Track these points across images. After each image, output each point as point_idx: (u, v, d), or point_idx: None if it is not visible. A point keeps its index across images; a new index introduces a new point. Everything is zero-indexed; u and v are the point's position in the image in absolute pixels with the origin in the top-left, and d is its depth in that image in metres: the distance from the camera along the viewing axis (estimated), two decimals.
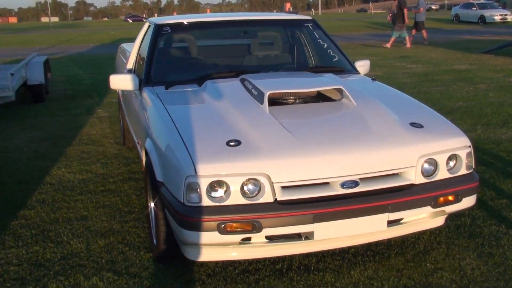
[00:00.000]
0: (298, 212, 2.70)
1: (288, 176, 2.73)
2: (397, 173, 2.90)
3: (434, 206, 2.93)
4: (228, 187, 2.68)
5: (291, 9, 36.69)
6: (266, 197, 2.70)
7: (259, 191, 2.70)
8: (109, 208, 4.08)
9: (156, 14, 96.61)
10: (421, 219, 3.09)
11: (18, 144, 6.08)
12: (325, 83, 3.45)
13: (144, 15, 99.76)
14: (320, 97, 3.43)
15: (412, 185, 2.90)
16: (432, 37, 20.93)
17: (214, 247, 2.86)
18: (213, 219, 2.65)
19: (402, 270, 3.08)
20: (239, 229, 2.67)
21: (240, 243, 2.79)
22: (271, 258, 3.17)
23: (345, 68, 4.28)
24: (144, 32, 4.73)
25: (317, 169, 2.76)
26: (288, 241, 2.85)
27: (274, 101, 3.30)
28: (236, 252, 2.89)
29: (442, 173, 2.98)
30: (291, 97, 3.35)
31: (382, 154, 2.86)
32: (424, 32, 18.08)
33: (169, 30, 4.27)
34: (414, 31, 17.94)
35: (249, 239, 2.80)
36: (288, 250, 2.92)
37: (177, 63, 4.27)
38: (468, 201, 3.06)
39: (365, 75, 4.45)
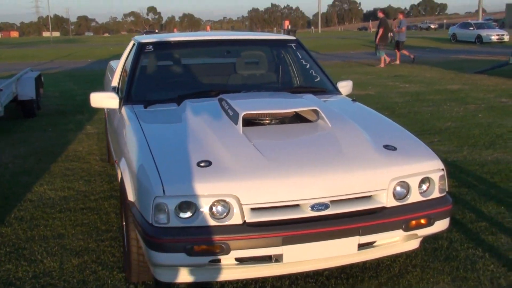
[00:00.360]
0: (267, 234, 2.68)
1: (257, 198, 2.71)
2: (369, 196, 2.89)
3: (406, 229, 2.91)
4: (196, 208, 2.67)
5: (289, 27, 36.88)
6: (235, 219, 2.68)
7: (228, 213, 2.69)
8: (87, 227, 4.06)
9: (157, 30, 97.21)
10: (395, 242, 3.07)
11: (3, 160, 6.06)
12: (301, 104, 3.46)
13: (144, 31, 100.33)
14: (297, 118, 3.43)
15: (383, 208, 2.89)
16: (428, 57, 21.09)
17: (184, 268, 2.84)
18: (180, 240, 2.63)
19: None
20: (206, 251, 2.65)
21: (209, 264, 2.77)
22: (243, 280, 3.15)
23: (327, 89, 4.29)
24: (129, 50, 4.74)
25: (287, 191, 2.75)
26: (258, 263, 2.82)
27: (251, 121, 3.31)
28: (205, 273, 2.87)
29: (414, 196, 2.96)
30: (267, 118, 3.35)
31: (353, 177, 2.85)
32: (404, 51, 18.24)
33: (152, 49, 4.28)
34: (396, 51, 18.27)
35: (218, 260, 2.77)
36: (258, 273, 2.90)
37: (158, 81, 4.28)
38: (440, 225, 3.04)
39: (348, 95, 4.46)
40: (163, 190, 2.66)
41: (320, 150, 3.01)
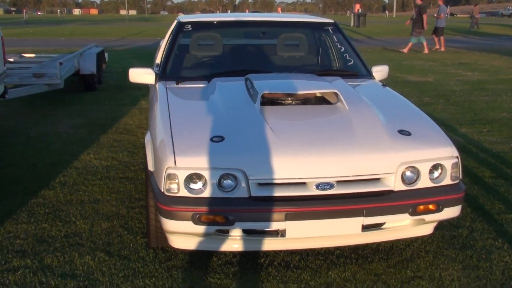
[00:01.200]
0: (271, 209, 2.79)
1: (264, 174, 2.82)
2: (377, 178, 2.93)
3: (413, 214, 2.94)
4: (205, 180, 2.81)
5: (359, 11, 36.16)
6: (241, 193, 2.81)
7: (235, 186, 2.82)
8: (122, 194, 4.31)
9: (229, 11, 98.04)
10: (404, 226, 3.11)
11: (59, 130, 6.46)
12: (320, 87, 3.51)
13: (218, 12, 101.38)
14: (319, 100, 3.50)
15: (391, 191, 2.93)
16: (502, 45, 20.19)
17: (195, 237, 3.00)
18: (188, 210, 2.79)
19: (380, 275, 3.11)
20: (212, 221, 2.80)
21: (218, 234, 2.92)
22: (255, 253, 3.28)
23: (359, 73, 4.31)
24: (172, 29, 4.94)
25: (294, 169, 2.84)
26: (265, 236, 2.94)
27: (273, 101, 3.41)
28: (215, 243, 3.02)
29: (424, 182, 2.98)
30: (289, 99, 3.44)
31: (361, 159, 2.90)
32: (442, 38, 17.88)
33: (190, 28, 4.45)
34: (434, 37, 17.90)
35: (227, 231, 2.92)
36: (264, 246, 3.02)
37: (192, 60, 4.45)
38: (450, 212, 3.04)
39: (386, 80, 4.47)
40: (175, 162, 2.83)
41: (332, 131, 3.08)
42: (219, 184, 2.82)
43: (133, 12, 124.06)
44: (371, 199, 2.88)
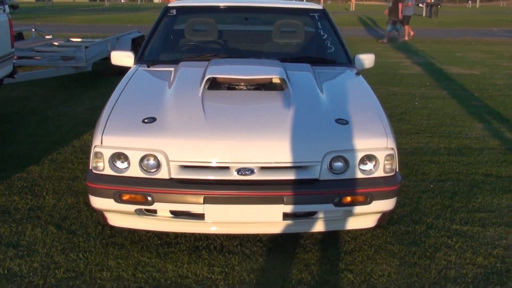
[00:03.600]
0: (189, 191, 2.82)
1: (186, 156, 2.86)
2: (303, 166, 2.89)
3: (338, 204, 2.87)
4: (129, 160, 2.88)
5: (433, 1, 34.79)
6: (162, 174, 2.86)
7: (157, 167, 2.87)
8: None
9: None
10: (336, 217, 3.04)
11: (77, 111, 6.74)
12: (268, 72, 3.48)
13: None
14: (272, 86, 3.46)
15: (315, 180, 2.87)
16: None
17: (129, 216, 3.08)
18: (109, 187, 2.88)
19: (310, 266, 3.06)
20: (132, 200, 2.87)
21: (147, 215, 2.99)
22: (197, 235, 3.32)
23: (337, 61, 4.23)
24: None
25: (215, 153, 2.85)
26: (190, 219, 2.98)
27: (230, 86, 3.42)
28: (146, 222, 3.09)
29: (353, 172, 2.90)
30: (242, 84, 3.44)
31: (286, 146, 2.87)
32: (407, 27, 17.41)
33: (174, 13, 4.52)
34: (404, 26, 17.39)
35: (154, 211, 2.98)
36: (188, 228, 3.06)
37: (170, 44, 4.52)
38: (380, 205, 2.95)
39: (369, 69, 4.37)
40: (101, 140, 2.92)
41: (265, 117, 3.05)
42: (142, 165, 2.88)
43: None
44: (292, 187, 2.84)
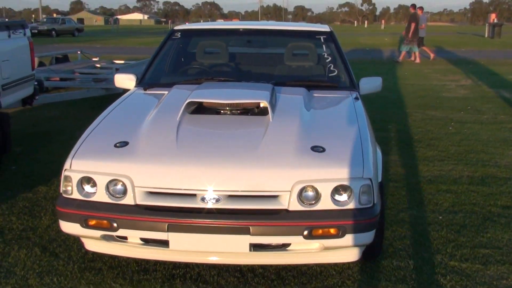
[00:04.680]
0: (153, 218, 2.75)
1: (151, 182, 2.79)
2: (272, 196, 2.76)
3: (308, 237, 2.72)
4: (95, 185, 2.85)
5: (495, 21, 33.60)
6: (128, 199, 2.80)
7: (124, 193, 2.82)
8: None
9: (366, 22, 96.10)
10: (312, 250, 2.87)
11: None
12: (250, 97, 3.37)
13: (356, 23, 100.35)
14: (259, 111, 3.36)
15: (285, 210, 2.74)
16: None
17: (103, 241, 3.03)
18: (76, 212, 2.85)
19: None
20: (97, 225, 2.83)
21: (119, 241, 2.94)
22: (176, 263, 3.24)
23: (339, 85, 4.08)
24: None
25: (181, 180, 2.77)
26: (157, 246, 2.90)
27: (217, 110, 3.35)
28: (117, 248, 3.04)
29: (325, 203, 2.74)
30: (227, 108, 3.36)
31: (255, 174, 2.75)
32: (424, 48, 17.62)
33: (179, 36, 4.51)
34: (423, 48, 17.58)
35: (125, 237, 2.92)
36: (156, 255, 2.98)
37: (171, 67, 4.50)
38: (355, 238, 2.76)
39: (376, 93, 4.21)
40: (70, 164, 2.90)
41: (237, 144, 2.95)
42: (108, 190, 2.84)
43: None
44: (258, 217, 2.71)
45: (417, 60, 16.68)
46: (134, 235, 2.83)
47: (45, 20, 40.38)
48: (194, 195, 2.77)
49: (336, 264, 3.24)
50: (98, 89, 7.71)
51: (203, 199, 2.74)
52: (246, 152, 2.86)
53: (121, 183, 2.82)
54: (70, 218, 2.88)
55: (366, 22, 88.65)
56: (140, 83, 4.18)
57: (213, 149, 2.90)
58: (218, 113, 3.35)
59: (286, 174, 2.75)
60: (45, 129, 6.92)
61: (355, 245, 2.83)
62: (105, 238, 2.91)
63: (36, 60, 9.86)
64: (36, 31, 35.86)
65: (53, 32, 35.91)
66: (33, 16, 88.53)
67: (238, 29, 4.44)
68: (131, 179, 2.79)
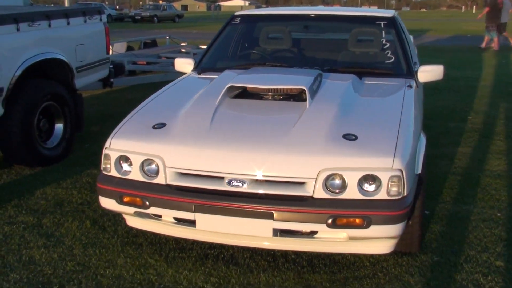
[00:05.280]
0: (181, 198, 2.83)
1: (182, 163, 2.87)
2: (297, 182, 2.73)
3: (332, 225, 2.67)
4: (131, 164, 2.97)
5: None
6: (160, 179, 2.90)
7: (157, 172, 2.92)
8: None
9: (475, 7, 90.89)
10: (340, 239, 2.81)
11: None
12: (291, 83, 3.33)
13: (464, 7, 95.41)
14: (299, 96, 3.33)
15: (309, 197, 2.71)
16: None
17: (142, 217, 3.16)
18: (113, 189, 2.99)
19: (312, 287, 2.89)
20: (131, 202, 2.95)
21: (153, 218, 3.06)
22: (212, 244, 3.31)
23: (395, 72, 3.93)
24: None
25: (210, 162, 2.82)
26: (187, 225, 2.97)
27: (259, 95, 3.37)
28: (154, 225, 3.16)
29: (352, 193, 2.68)
30: (270, 93, 3.36)
31: (279, 160, 2.74)
32: (505, 34, 16.30)
33: (238, 21, 4.55)
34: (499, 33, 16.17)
35: (160, 215, 3.03)
36: (186, 234, 3.05)
37: (229, 52, 4.52)
38: (380, 230, 2.67)
39: (436, 81, 4.01)
40: (110, 143, 3.05)
41: (268, 129, 2.95)
42: (143, 169, 2.95)
43: (374, 8, 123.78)
44: (283, 203, 2.70)
45: (495, 47, 15.75)
46: (165, 214, 2.92)
47: (148, 7, 42.05)
48: (222, 178, 2.80)
49: (372, 256, 3.17)
50: (176, 73, 7.93)
51: (229, 182, 2.77)
52: (275, 138, 2.85)
53: (154, 163, 2.92)
54: (107, 194, 3.02)
55: (474, 7, 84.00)
56: (196, 67, 4.27)
57: (243, 133, 2.92)
58: (261, 98, 3.35)
59: (311, 161, 2.71)
60: (124, 110, 7.21)
61: (382, 237, 2.75)
62: (140, 215, 3.03)
63: (125, 45, 10.39)
64: (139, 17, 37.56)
65: (155, 18, 37.36)
66: (140, 3, 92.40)
67: (298, 15, 4.39)
68: (163, 159, 2.88)
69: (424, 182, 3.10)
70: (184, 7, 78.21)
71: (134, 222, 3.26)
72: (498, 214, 3.79)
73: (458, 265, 3.09)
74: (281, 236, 2.78)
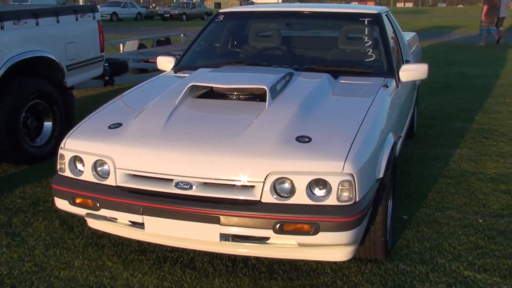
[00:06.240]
0: (129, 201, 2.76)
1: (131, 165, 2.80)
2: (246, 186, 2.64)
3: (279, 231, 2.56)
4: (84, 164, 2.92)
5: None
6: (110, 180, 2.84)
7: (108, 174, 2.86)
8: None
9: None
10: (290, 245, 2.70)
11: None
12: (252, 82, 3.22)
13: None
14: (264, 97, 3.23)
15: (258, 202, 2.60)
16: None
17: (100, 219, 3.10)
18: (65, 190, 2.95)
19: None
20: (82, 204, 2.90)
21: (110, 220, 3.01)
22: (174, 247, 3.23)
23: (374, 71, 3.78)
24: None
25: (159, 164, 2.75)
26: (139, 228, 2.91)
27: (224, 95, 3.29)
28: (109, 227, 3.10)
29: (300, 197, 2.56)
30: (235, 93, 3.27)
31: (227, 162, 2.65)
32: (501, 29, 15.94)
33: (222, 19, 4.46)
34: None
35: (116, 218, 2.97)
36: (137, 236, 2.98)
37: (208, 50, 4.44)
38: (329, 237, 2.55)
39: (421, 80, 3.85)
40: (65, 143, 3.01)
41: (221, 131, 2.86)
42: (96, 170, 2.90)
43: (409, 4, 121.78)
44: (229, 207, 2.61)
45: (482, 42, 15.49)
46: (114, 216, 2.86)
47: (177, 4, 42.32)
48: (171, 180, 2.73)
49: (335, 263, 3.04)
50: None
51: (177, 184, 2.70)
52: (226, 140, 2.76)
53: (106, 164, 2.86)
54: (61, 195, 2.98)
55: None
56: (175, 66, 4.20)
57: (195, 135, 2.84)
58: (226, 98, 3.26)
59: (259, 164, 2.61)
60: None
61: (331, 244, 2.62)
62: (93, 216, 2.98)
63: (137, 43, 10.40)
64: (168, 15, 37.80)
65: (184, 16, 37.53)
66: (174, 0, 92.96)
67: (280, 11, 4.27)
68: (113, 160, 2.82)
69: (388, 186, 2.96)
70: (218, 5, 78.30)
71: (93, 223, 3.22)
72: (480, 221, 3.61)
73: (423, 274, 2.94)
74: (233, 241, 2.69)
